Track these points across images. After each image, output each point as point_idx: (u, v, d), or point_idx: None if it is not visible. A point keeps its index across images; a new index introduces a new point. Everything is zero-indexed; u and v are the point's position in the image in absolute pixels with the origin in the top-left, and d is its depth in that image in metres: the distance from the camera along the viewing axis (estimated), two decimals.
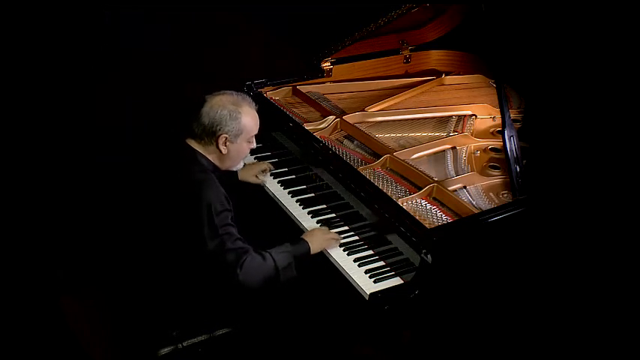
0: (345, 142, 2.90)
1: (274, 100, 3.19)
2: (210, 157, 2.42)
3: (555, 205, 2.47)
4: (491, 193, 2.52)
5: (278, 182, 2.88)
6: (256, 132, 2.46)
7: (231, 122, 2.35)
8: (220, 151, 2.40)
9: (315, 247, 2.48)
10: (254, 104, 2.45)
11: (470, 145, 2.82)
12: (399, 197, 2.47)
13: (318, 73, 3.35)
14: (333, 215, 2.67)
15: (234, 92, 2.42)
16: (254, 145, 2.49)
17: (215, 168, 2.44)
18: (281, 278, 2.38)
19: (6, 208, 3.38)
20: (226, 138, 2.37)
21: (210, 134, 2.36)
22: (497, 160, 2.71)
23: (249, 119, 2.40)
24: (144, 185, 2.58)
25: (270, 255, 2.37)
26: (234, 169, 2.58)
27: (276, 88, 3.25)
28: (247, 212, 2.59)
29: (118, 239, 3.15)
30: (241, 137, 2.40)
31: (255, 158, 3.04)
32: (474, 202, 2.45)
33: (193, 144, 2.41)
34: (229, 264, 2.29)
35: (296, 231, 2.65)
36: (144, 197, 2.56)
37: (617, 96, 2.63)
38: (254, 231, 2.89)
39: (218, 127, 2.35)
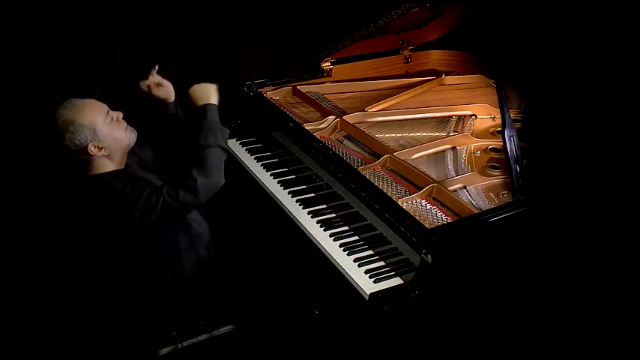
0: (345, 142, 2.90)
1: (274, 100, 3.19)
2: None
3: (555, 205, 2.47)
4: (491, 193, 2.52)
5: (278, 182, 2.87)
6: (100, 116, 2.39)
7: (79, 134, 2.33)
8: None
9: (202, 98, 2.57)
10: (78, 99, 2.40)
11: (470, 145, 2.82)
12: (399, 197, 2.47)
13: (318, 73, 3.34)
14: (333, 215, 2.67)
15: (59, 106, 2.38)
16: (117, 114, 2.45)
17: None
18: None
19: (6, 208, 3.38)
20: (94, 145, 2.36)
21: (82, 152, 2.36)
22: (497, 160, 2.71)
23: (86, 119, 2.35)
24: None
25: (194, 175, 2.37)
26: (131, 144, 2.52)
27: (276, 88, 3.25)
28: (246, 214, 2.59)
29: (117, 239, 3.14)
30: (96, 132, 2.36)
31: (254, 158, 3.03)
32: (474, 202, 2.45)
33: None
34: (188, 204, 2.36)
35: (296, 231, 2.65)
36: None
37: (617, 96, 2.63)
38: (254, 233, 2.90)
39: (78, 144, 2.34)
